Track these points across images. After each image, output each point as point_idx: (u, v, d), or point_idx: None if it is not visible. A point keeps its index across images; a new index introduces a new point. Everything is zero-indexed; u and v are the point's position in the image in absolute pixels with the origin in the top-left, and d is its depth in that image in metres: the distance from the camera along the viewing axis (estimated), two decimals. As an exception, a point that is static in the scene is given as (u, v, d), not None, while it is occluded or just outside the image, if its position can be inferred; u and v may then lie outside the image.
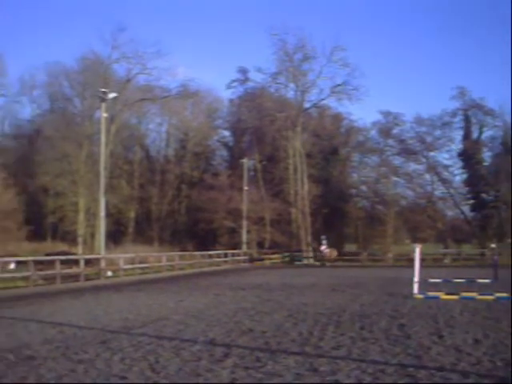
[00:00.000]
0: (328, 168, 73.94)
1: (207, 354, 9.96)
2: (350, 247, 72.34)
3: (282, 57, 68.91)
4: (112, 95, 41.75)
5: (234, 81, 76.73)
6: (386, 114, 74.04)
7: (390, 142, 75.51)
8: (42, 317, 15.42)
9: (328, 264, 52.40)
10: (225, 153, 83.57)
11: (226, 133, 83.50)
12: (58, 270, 28.99)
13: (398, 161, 75.02)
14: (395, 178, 74.78)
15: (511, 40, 69.74)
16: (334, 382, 7.93)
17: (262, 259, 58.62)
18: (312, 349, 10.45)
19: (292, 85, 70.30)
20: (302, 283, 28.64)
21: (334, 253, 56.61)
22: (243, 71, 75.65)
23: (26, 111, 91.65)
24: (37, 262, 29.95)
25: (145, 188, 71.65)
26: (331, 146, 75.03)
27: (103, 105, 40.95)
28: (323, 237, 56.68)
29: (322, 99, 70.43)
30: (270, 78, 71.36)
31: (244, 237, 63.04)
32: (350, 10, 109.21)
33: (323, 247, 55.88)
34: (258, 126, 72.11)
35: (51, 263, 30.63)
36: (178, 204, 73.68)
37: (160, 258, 42.11)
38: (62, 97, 69.06)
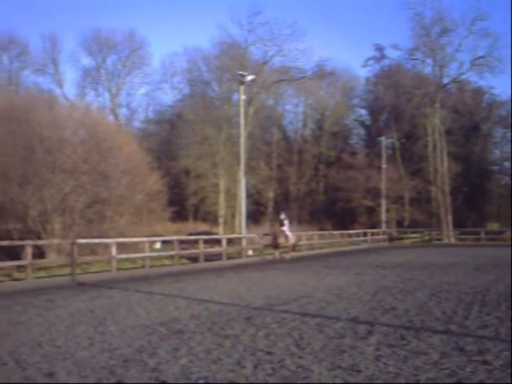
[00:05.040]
0: (468, 145, 71.51)
1: (351, 331, 10.02)
2: (492, 226, 69.74)
3: (419, 31, 66.78)
4: (250, 78, 42.29)
5: (369, 59, 75.81)
6: (532, 85, 70.57)
7: (536, 115, 71.92)
8: (188, 293, 16.02)
9: (287, 257, 33.32)
10: (362, 131, 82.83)
11: (363, 111, 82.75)
12: (202, 249, 29.93)
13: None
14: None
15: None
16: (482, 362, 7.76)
17: (402, 238, 57.80)
18: (457, 328, 10.29)
19: (430, 60, 68.02)
20: (444, 262, 28.04)
21: (294, 239, 35.51)
22: (379, 49, 74.50)
23: (168, 97, 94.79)
24: (181, 242, 31.04)
25: (283, 168, 72.28)
26: (472, 122, 72.47)
27: (241, 87, 41.59)
28: (283, 214, 35.36)
29: (462, 73, 67.78)
30: (406, 55, 69.59)
31: (383, 216, 62.29)
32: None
33: (285, 228, 33.94)
34: (395, 104, 70.77)
35: (194, 243, 31.66)
36: (315, 183, 73.87)
37: (300, 237, 42.45)
38: (201, 81, 70.64)
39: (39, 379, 7.12)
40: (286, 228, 34.05)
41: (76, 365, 7.81)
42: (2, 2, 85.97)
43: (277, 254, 33.08)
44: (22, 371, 7.55)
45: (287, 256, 33.47)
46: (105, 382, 7.00)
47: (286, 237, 33.68)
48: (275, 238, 33.39)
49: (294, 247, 35.94)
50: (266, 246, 36.31)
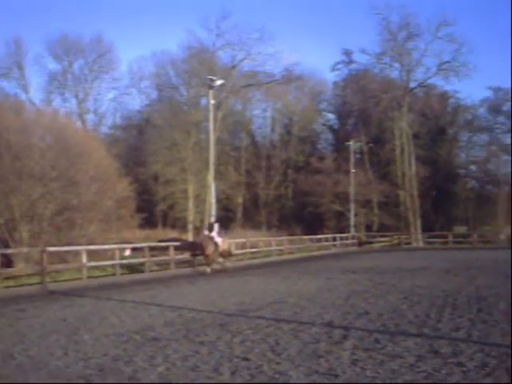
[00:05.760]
0: (435, 148, 72.26)
1: (326, 335, 10.07)
2: (459, 229, 70.52)
3: (386, 36, 67.68)
4: (219, 82, 42.18)
5: (338, 63, 76.13)
6: (496, 89, 71.64)
7: (501, 119, 73.04)
8: (161, 301, 15.96)
9: (208, 270, 27.79)
10: (330, 136, 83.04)
11: (331, 116, 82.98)
12: (172, 255, 29.77)
13: (509, 138, 72.28)
14: (506, 157, 72.16)
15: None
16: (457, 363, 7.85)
17: (371, 242, 58.19)
18: (430, 330, 10.41)
19: (397, 64, 68.88)
20: (414, 266, 28.28)
21: (225, 245, 30.49)
22: (347, 53, 74.87)
23: (136, 102, 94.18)
24: (151, 249, 30.81)
25: (251, 173, 72.28)
26: (438, 126, 73.28)
27: (211, 92, 41.46)
28: (213, 217, 33.11)
29: (428, 78, 68.72)
30: (374, 59, 70.34)
31: (352, 220, 62.65)
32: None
33: (214, 234, 29.29)
34: (363, 108, 71.24)
35: (164, 249, 31.47)
36: (284, 189, 73.99)
37: (269, 243, 42.53)
38: (169, 86, 70.29)
39: (14, 390, 7.05)
40: (215, 234, 29.34)
41: (51, 375, 7.74)
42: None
43: (207, 267, 28.09)
44: (-4, 383, 7.46)
45: (224, 265, 29.87)
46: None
47: (216, 244, 28.92)
48: (202, 246, 28.35)
49: (229, 254, 31.31)
50: (193, 256, 29.76)
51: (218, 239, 29.41)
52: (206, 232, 29.47)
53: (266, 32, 75.47)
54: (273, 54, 65.27)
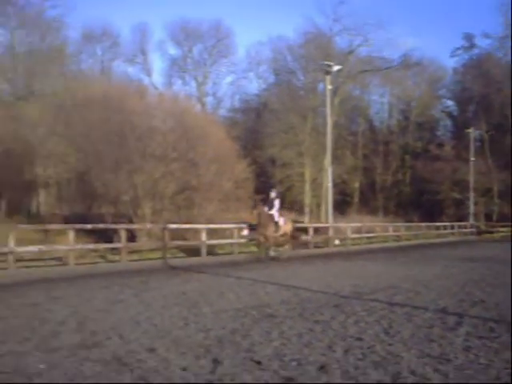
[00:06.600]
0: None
1: (439, 321, 10.02)
2: None
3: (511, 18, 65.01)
4: (336, 68, 42.19)
5: (458, 48, 74.24)
6: None
7: None
8: (278, 280, 16.29)
9: (272, 254, 24.82)
10: (449, 123, 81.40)
11: (450, 102, 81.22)
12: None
13: None
14: None
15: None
16: None
17: (491, 232, 56.58)
18: (552, 324, 10.11)
19: (522, 47, 66.17)
20: (536, 257, 27.33)
21: (289, 226, 26.50)
22: (468, 37, 72.78)
23: (253, 86, 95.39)
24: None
25: (369, 158, 71.84)
26: None
27: (327, 77, 41.55)
28: (273, 192, 26.73)
29: (559, 61, 65.54)
30: (497, 43, 67.79)
31: (471, 208, 61.14)
32: None
33: (275, 212, 25.24)
34: (484, 94, 69.03)
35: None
36: (402, 175, 73.13)
37: (386, 228, 42.25)
38: (286, 70, 70.84)
39: (143, 353, 7.53)
40: (275, 211, 24.94)
41: (174, 342, 8.19)
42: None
43: (267, 250, 24.61)
44: (126, 345, 7.99)
45: (285, 249, 25.94)
46: (202, 359, 7.33)
47: (277, 223, 24.87)
48: (260, 226, 24.48)
49: (295, 237, 27.19)
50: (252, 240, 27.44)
51: (280, 219, 25.38)
52: (266, 209, 25.12)
53: (383, 17, 74.50)
54: (390, 40, 64.69)
